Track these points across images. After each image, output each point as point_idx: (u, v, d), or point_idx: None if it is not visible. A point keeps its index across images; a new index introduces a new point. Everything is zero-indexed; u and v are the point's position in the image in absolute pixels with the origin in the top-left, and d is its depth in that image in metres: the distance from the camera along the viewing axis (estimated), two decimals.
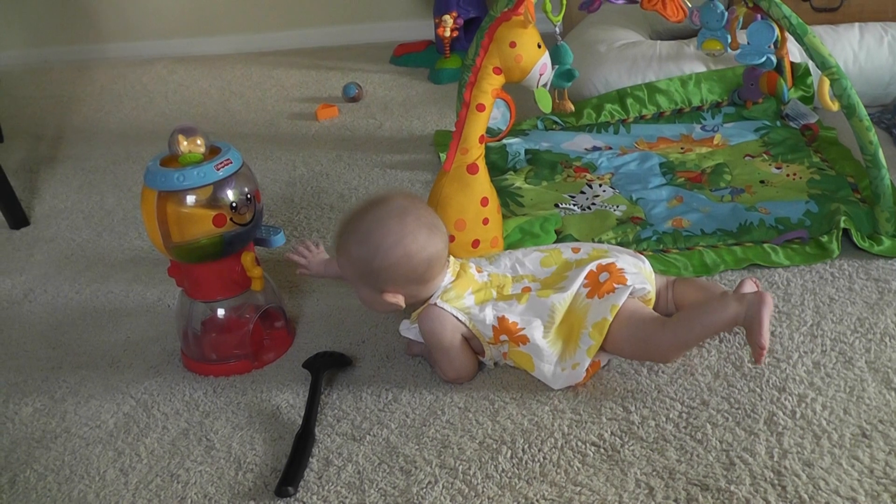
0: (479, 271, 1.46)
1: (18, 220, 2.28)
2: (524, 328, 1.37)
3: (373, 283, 1.40)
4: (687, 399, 1.33)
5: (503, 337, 1.39)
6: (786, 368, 1.37)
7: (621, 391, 1.36)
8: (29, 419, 1.50)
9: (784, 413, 1.28)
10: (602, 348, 1.37)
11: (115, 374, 1.59)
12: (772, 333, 1.45)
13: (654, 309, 1.44)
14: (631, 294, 1.38)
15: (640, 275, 1.43)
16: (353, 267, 1.41)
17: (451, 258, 1.45)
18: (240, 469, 1.31)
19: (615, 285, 1.38)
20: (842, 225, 1.66)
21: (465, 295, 1.41)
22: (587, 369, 1.35)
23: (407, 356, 1.52)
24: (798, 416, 1.27)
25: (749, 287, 1.47)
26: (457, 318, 1.40)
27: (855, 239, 1.65)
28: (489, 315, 1.39)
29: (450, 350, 1.41)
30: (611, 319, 1.34)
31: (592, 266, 1.42)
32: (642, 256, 1.50)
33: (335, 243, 1.44)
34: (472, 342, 1.42)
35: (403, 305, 1.42)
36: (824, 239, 1.66)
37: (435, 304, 1.40)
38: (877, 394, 1.30)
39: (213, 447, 1.37)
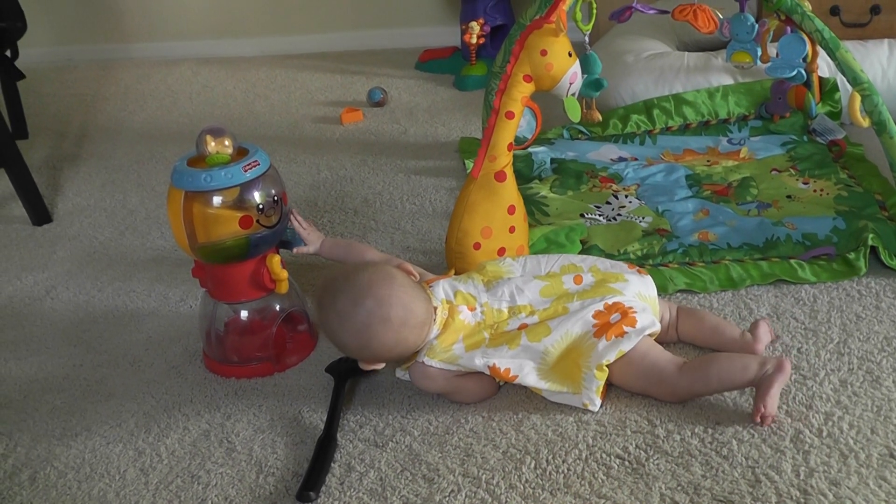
0: (471, 309, 1.40)
1: (41, 216, 2.29)
2: (517, 374, 1.36)
3: (357, 356, 1.39)
4: (713, 414, 1.31)
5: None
6: (812, 386, 1.35)
7: (646, 404, 1.35)
8: (49, 416, 1.50)
9: (811, 431, 1.26)
10: (608, 381, 1.36)
11: (136, 374, 1.59)
12: (798, 350, 1.44)
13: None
14: (641, 336, 1.36)
15: (647, 310, 1.41)
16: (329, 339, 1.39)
17: (439, 307, 1.39)
18: (261, 472, 1.31)
19: (625, 328, 1.35)
20: (869, 242, 1.64)
21: (453, 346, 1.37)
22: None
23: None
24: (825, 434, 1.26)
25: (763, 329, 1.45)
26: (447, 370, 1.37)
27: (882, 257, 1.63)
28: (479, 364, 1.36)
29: (453, 391, 1.40)
30: (612, 361, 1.33)
31: (599, 305, 1.39)
32: (648, 278, 1.47)
33: (315, 306, 1.41)
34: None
35: (382, 366, 1.40)
36: (851, 256, 1.64)
37: (422, 361, 1.37)
38: None
39: (234, 449, 1.36)
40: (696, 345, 1.49)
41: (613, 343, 1.34)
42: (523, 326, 1.39)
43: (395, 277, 1.36)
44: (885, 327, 1.48)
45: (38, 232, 2.25)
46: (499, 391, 1.43)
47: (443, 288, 1.42)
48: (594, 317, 1.38)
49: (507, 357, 1.36)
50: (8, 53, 2.73)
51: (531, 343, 1.36)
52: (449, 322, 1.38)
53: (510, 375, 1.36)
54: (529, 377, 1.36)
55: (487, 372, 1.36)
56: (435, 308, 1.38)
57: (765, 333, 1.45)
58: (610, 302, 1.39)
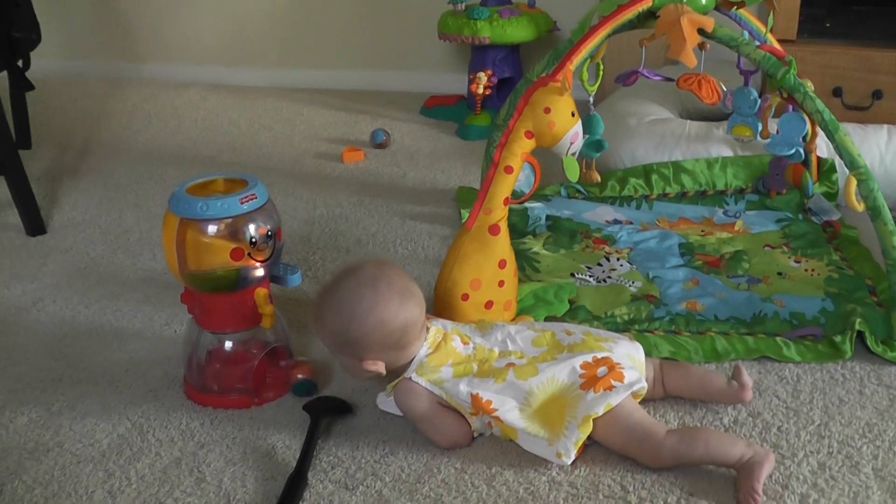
0: (464, 343, 1.45)
1: (36, 227, 2.29)
2: (498, 409, 1.37)
3: (351, 352, 1.41)
4: (687, 485, 1.31)
5: (479, 411, 1.38)
6: (790, 466, 1.35)
7: (620, 469, 1.35)
8: (23, 429, 1.49)
9: None
10: (591, 436, 1.36)
11: (114, 394, 1.59)
12: (778, 428, 1.44)
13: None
14: (629, 392, 1.38)
15: (635, 369, 1.42)
16: (330, 337, 1.42)
17: (433, 328, 1.45)
18: None
19: (612, 382, 1.37)
20: (856, 327, 1.64)
21: (441, 368, 1.40)
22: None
23: None
24: None
25: (745, 375, 1.48)
26: (431, 391, 1.39)
27: (869, 343, 1.63)
28: (463, 391, 1.37)
29: (431, 420, 1.40)
30: (600, 414, 1.33)
31: (588, 357, 1.41)
32: (638, 345, 1.50)
33: (313, 314, 1.45)
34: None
35: (384, 372, 1.41)
36: (838, 339, 1.64)
37: (409, 378, 1.39)
38: (881, 503, 1.27)
39: (203, 479, 1.36)
40: (685, 397, 1.50)
41: (602, 396, 1.35)
42: (511, 365, 1.41)
43: (391, 266, 1.45)
44: (868, 413, 1.48)
45: (31, 242, 2.25)
46: (472, 443, 1.42)
47: (440, 321, 1.48)
48: (581, 367, 1.39)
49: (491, 390, 1.37)
50: (20, 63, 2.75)
51: (517, 380, 1.38)
52: (441, 345, 1.42)
53: (491, 407, 1.36)
54: (510, 414, 1.36)
55: (469, 401, 1.37)
56: (428, 328, 1.43)
57: (748, 378, 1.48)
58: (599, 356, 1.41)
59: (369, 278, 1.39)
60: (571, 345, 1.44)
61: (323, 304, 1.41)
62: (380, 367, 1.40)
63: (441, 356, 1.41)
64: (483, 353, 1.43)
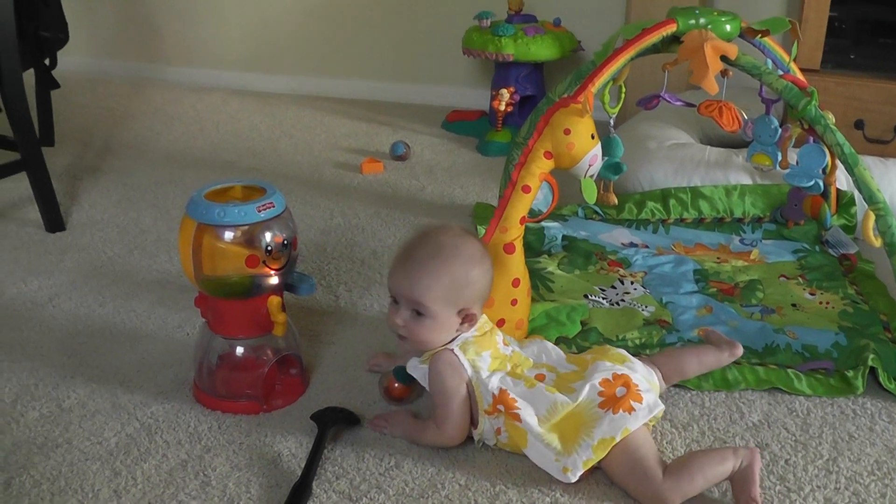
0: (505, 344, 1.48)
1: (55, 223, 2.31)
2: (521, 408, 1.38)
3: (455, 301, 1.40)
4: None
5: (500, 407, 1.39)
6: (796, 500, 1.34)
7: (625, 495, 1.34)
8: (34, 424, 1.50)
9: None
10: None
11: (124, 394, 1.59)
12: (786, 461, 1.43)
13: None
14: (648, 416, 1.38)
15: (652, 392, 1.42)
16: (445, 285, 1.39)
17: (483, 317, 1.48)
18: None
19: (632, 403, 1.37)
20: (869, 363, 1.63)
21: (482, 354, 1.43)
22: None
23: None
24: None
25: (723, 336, 1.62)
26: (466, 371, 1.41)
27: (881, 379, 1.62)
28: (494, 383, 1.40)
29: (454, 399, 1.41)
30: (617, 440, 1.33)
31: (608, 374, 1.42)
32: (650, 368, 1.51)
33: (416, 275, 1.40)
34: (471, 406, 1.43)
35: (479, 316, 1.45)
36: (850, 374, 1.63)
37: (452, 350, 1.42)
38: None
39: (209, 483, 1.36)
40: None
41: (621, 418, 1.35)
42: (540, 377, 1.44)
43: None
44: (878, 450, 1.47)
45: (49, 238, 2.27)
46: (462, 441, 1.43)
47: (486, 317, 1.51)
48: (601, 384, 1.40)
49: (518, 393, 1.39)
50: (47, 62, 2.78)
51: (546, 392, 1.40)
52: (488, 334, 1.46)
53: (515, 405, 1.38)
54: (530, 418, 1.37)
55: (497, 394, 1.39)
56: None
57: (725, 336, 1.64)
58: (619, 373, 1.42)
59: (464, 231, 1.47)
60: (594, 357, 1.49)
61: (429, 257, 1.40)
62: (476, 313, 1.44)
63: (485, 342, 1.44)
64: (518, 359, 1.47)
